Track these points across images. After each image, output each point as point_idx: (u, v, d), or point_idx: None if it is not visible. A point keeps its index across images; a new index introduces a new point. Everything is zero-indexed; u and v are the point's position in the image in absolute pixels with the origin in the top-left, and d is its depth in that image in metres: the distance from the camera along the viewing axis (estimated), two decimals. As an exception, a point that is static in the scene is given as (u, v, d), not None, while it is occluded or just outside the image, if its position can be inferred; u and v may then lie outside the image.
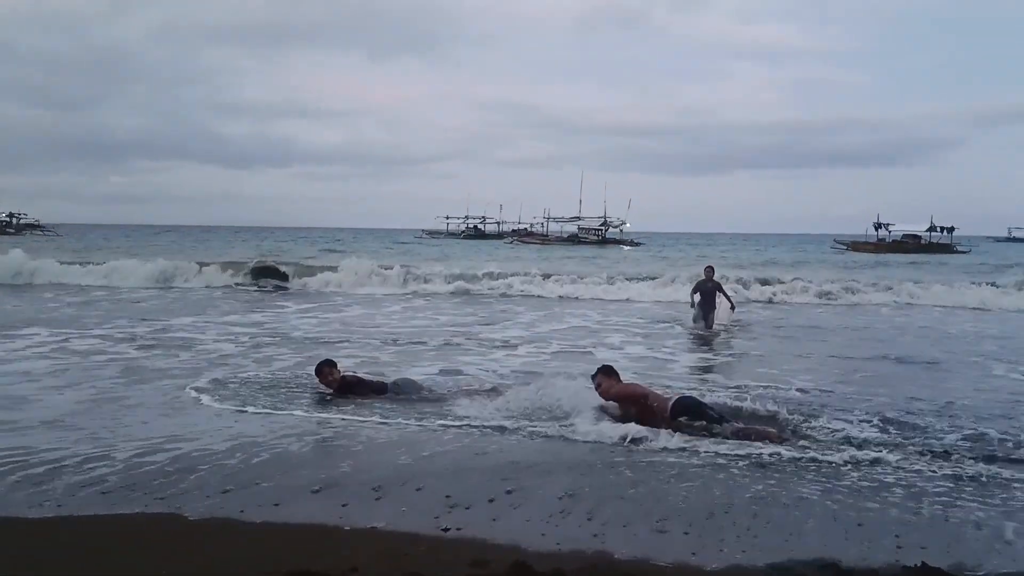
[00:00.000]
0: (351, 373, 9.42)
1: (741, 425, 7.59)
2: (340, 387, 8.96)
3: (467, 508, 5.28)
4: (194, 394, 8.79)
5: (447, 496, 5.51)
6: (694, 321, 15.81)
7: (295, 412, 8.07)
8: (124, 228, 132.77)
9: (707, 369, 11.46)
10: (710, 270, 16.59)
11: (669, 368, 11.48)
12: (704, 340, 14.57)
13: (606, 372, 8.19)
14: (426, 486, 5.72)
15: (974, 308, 21.18)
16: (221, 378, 9.72)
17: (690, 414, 7.58)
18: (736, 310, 16.54)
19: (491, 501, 5.41)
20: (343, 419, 7.81)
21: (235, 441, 6.90)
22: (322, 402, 8.63)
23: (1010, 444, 6.98)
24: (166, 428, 7.33)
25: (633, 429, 7.21)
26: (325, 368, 9.12)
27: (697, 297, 15.89)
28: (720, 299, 15.92)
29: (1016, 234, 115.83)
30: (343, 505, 5.34)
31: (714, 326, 15.67)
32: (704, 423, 7.44)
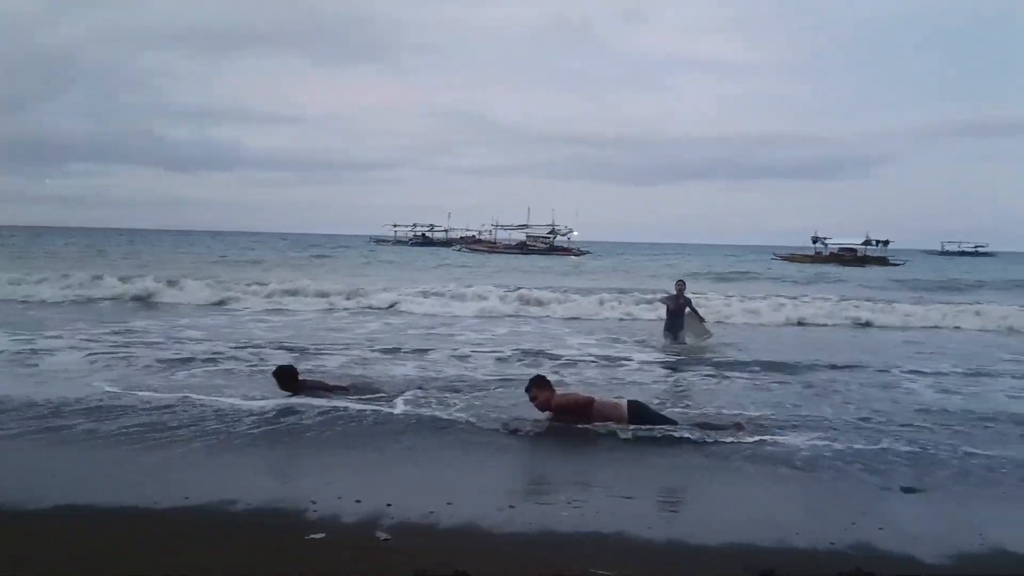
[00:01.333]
0: (311, 378, 9.40)
1: (703, 422, 7.90)
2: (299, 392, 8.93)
3: (407, 518, 5.29)
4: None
5: (388, 505, 5.50)
6: (665, 338, 14.85)
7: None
8: (62, 232, 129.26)
9: (668, 373, 11.59)
10: (681, 284, 15.34)
11: (627, 372, 11.75)
12: (664, 350, 14.14)
13: (539, 383, 7.94)
14: (366, 496, 5.73)
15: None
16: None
17: (644, 419, 7.63)
18: (707, 324, 15.34)
19: (431, 512, 5.41)
20: (291, 422, 7.75)
21: (170, 451, 6.86)
22: (274, 405, 8.56)
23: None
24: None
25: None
26: (288, 378, 9.04)
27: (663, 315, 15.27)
28: (689, 316, 14.87)
29: (948, 248, 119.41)
30: (282, 517, 5.33)
31: (687, 341, 14.63)
32: (660, 427, 7.53)
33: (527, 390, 7.98)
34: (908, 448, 7.30)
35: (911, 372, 12.07)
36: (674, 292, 15.27)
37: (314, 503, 5.53)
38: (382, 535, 4.95)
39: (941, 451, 7.25)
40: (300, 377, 9.14)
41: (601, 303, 22.03)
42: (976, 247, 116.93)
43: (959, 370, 12.46)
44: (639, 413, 7.70)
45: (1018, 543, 5.12)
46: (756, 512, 5.60)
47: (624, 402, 7.88)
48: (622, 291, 24.34)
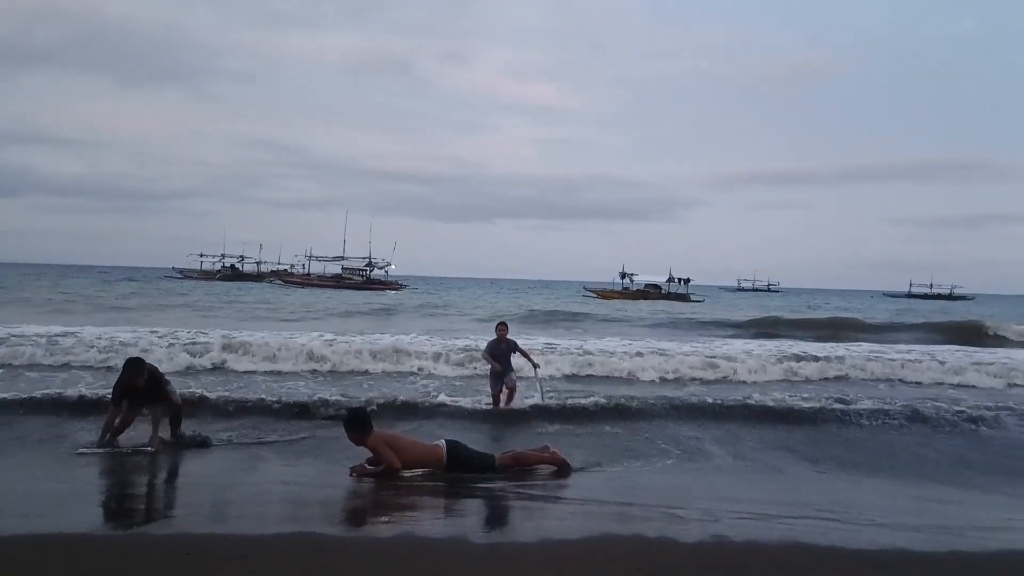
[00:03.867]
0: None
1: (514, 451, 7.88)
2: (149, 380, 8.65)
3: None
4: None
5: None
6: (494, 389, 12.05)
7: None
8: None
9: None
10: (503, 328, 12.55)
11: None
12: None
13: (353, 423, 7.49)
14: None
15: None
16: None
17: (461, 460, 7.48)
18: (541, 371, 12.80)
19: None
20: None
21: None
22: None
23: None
24: None
25: None
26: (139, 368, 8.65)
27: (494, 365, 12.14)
28: (518, 361, 12.42)
29: (744, 285, 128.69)
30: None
31: (542, 395, 12.34)
32: (476, 472, 7.41)
33: (345, 428, 7.55)
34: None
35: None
36: (495, 337, 12.45)
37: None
38: None
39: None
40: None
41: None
42: (768, 285, 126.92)
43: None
44: (456, 452, 7.55)
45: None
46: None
47: (443, 442, 7.67)
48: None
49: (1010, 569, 5.09)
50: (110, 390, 8.75)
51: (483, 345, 12.72)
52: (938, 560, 5.09)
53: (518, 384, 12.15)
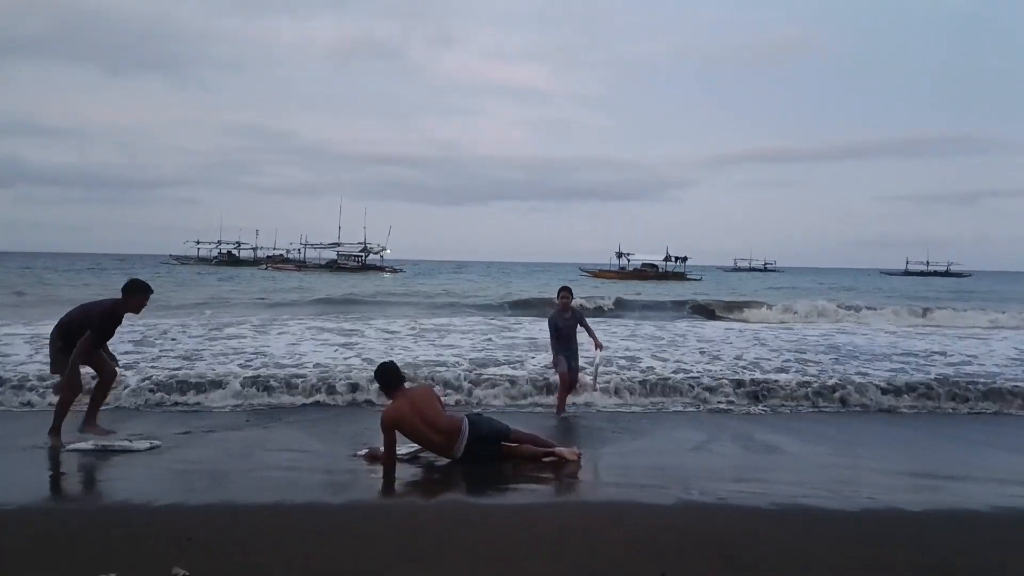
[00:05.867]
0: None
1: (528, 446, 7.25)
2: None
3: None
4: None
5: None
6: (558, 366, 9.80)
7: None
8: None
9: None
10: (567, 294, 10.09)
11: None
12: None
13: (385, 375, 7.18)
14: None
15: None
16: None
17: (475, 456, 6.96)
18: (603, 351, 10.30)
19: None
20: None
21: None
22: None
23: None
24: None
25: None
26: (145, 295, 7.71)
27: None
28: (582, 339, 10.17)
29: (740, 264, 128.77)
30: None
31: (595, 380, 10.12)
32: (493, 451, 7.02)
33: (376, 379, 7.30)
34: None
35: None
36: (558, 306, 10.13)
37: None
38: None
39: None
40: None
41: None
42: (765, 264, 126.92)
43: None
44: (472, 449, 6.98)
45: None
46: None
47: (462, 444, 6.99)
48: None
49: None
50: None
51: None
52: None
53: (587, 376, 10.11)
